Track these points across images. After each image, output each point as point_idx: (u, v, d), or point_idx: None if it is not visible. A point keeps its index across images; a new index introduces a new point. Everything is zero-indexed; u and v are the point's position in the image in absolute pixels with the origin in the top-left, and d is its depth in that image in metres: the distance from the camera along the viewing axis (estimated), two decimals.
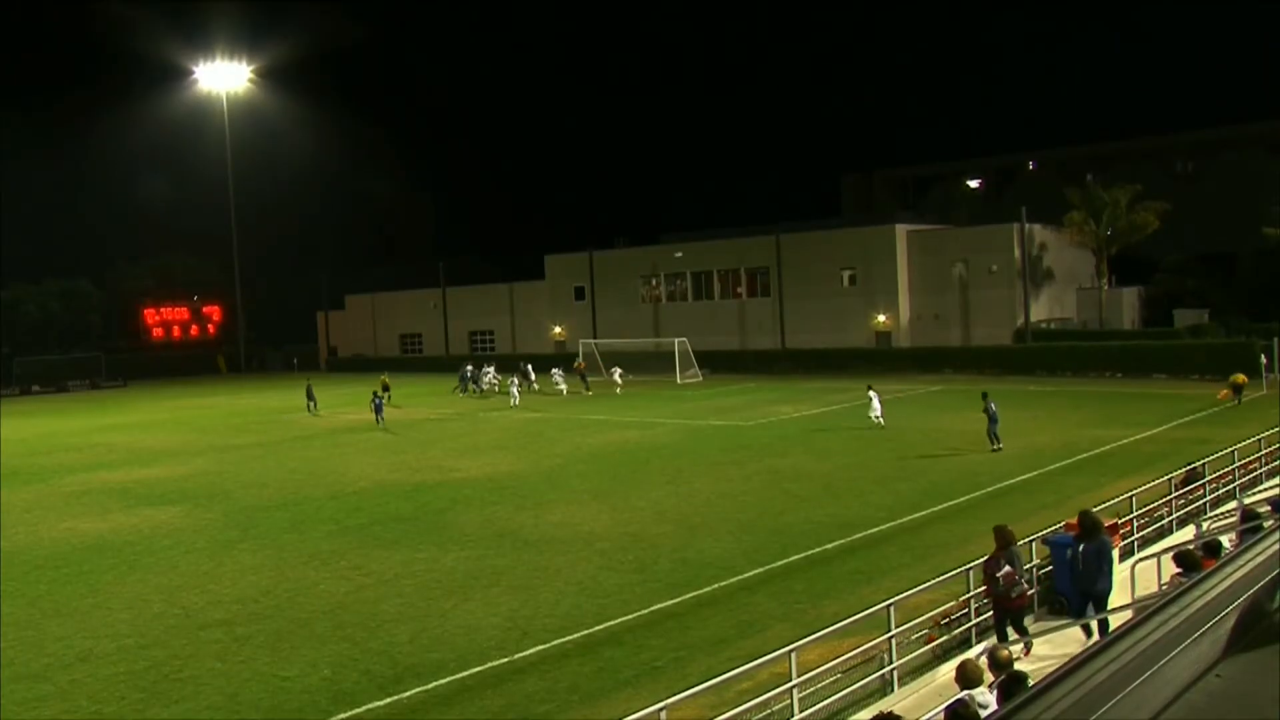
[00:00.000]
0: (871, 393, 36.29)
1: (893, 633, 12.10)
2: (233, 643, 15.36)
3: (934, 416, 38.49)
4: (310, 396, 50.66)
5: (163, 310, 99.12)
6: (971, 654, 11.72)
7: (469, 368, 59.80)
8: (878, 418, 35.50)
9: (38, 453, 40.29)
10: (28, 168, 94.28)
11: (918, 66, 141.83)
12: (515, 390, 51.15)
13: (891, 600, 12.36)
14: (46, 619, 17.10)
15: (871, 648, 12.18)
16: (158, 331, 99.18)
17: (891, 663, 12.01)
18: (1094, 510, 13.80)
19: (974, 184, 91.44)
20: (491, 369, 58.93)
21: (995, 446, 29.40)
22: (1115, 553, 13.90)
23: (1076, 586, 13.06)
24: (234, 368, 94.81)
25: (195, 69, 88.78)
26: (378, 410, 43.86)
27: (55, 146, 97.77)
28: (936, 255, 64.00)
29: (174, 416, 50.40)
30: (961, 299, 63.14)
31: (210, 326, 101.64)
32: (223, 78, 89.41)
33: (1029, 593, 13.33)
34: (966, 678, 8.74)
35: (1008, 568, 12.59)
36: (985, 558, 13.08)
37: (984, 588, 13.09)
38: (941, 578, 13.74)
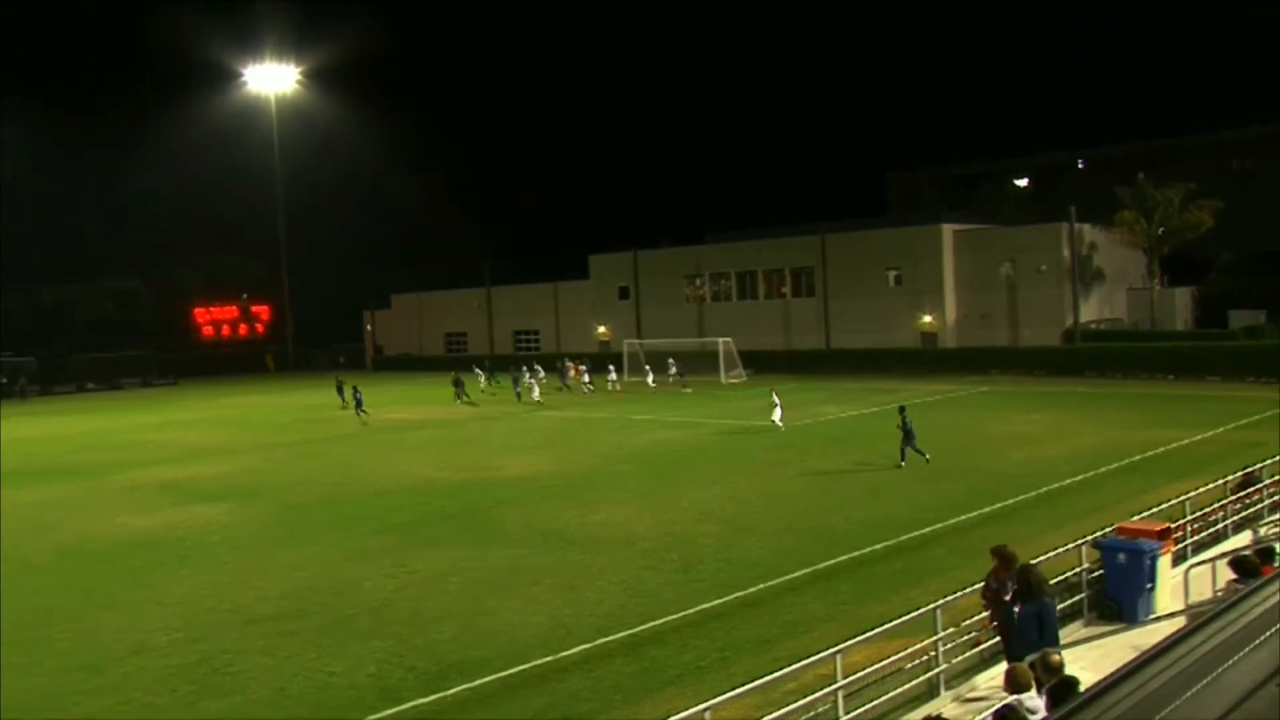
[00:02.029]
0: (775, 397, 36.98)
1: (940, 635, 11.97)
2: (280, 638, 15.52)
3: (980, 417, 38.10)
4: (343, 392, 50.63)
5: (212, 309, 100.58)
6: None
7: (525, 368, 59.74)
8: (778, 422, 36.01)
9: (92, 449, 41.02)
10: (80, 169, 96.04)
11: (965, 64, 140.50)
12: (535, 387, 52.07)
13: (939, 603, 12.23)
14: (100, 612, 17.39)
15: (918, 650, 12.05)
16: (207, 330, 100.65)
17: (938, 666, 11.88)
18: (1035, 564, 12.10)
19: (1022, 183, 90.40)
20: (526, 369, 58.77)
21: (903, 464, 27.85)
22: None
23: (1012, 651, 11.42)
24: (281, 366, 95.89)
25: (244, 71, 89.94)
26: (358, 405, 46.39)
27: (108, 148, 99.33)
28: (983, 255, 63.36)
29: (222, 414, 51.04)
30: (1009, 299, 62.46)
31: (258, 325, 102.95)
32: (271, 79, 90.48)
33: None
34: (1015, 682, 8.62)
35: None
36: (985, 580, 12.17)
37: (984, 604, 12.19)
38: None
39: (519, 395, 52.49)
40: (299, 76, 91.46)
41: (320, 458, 35.71)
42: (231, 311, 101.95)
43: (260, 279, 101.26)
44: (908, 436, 28.23)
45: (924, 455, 28.09)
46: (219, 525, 24.39)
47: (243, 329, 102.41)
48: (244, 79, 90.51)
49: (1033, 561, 13.39)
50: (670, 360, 59.36)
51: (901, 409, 29.33)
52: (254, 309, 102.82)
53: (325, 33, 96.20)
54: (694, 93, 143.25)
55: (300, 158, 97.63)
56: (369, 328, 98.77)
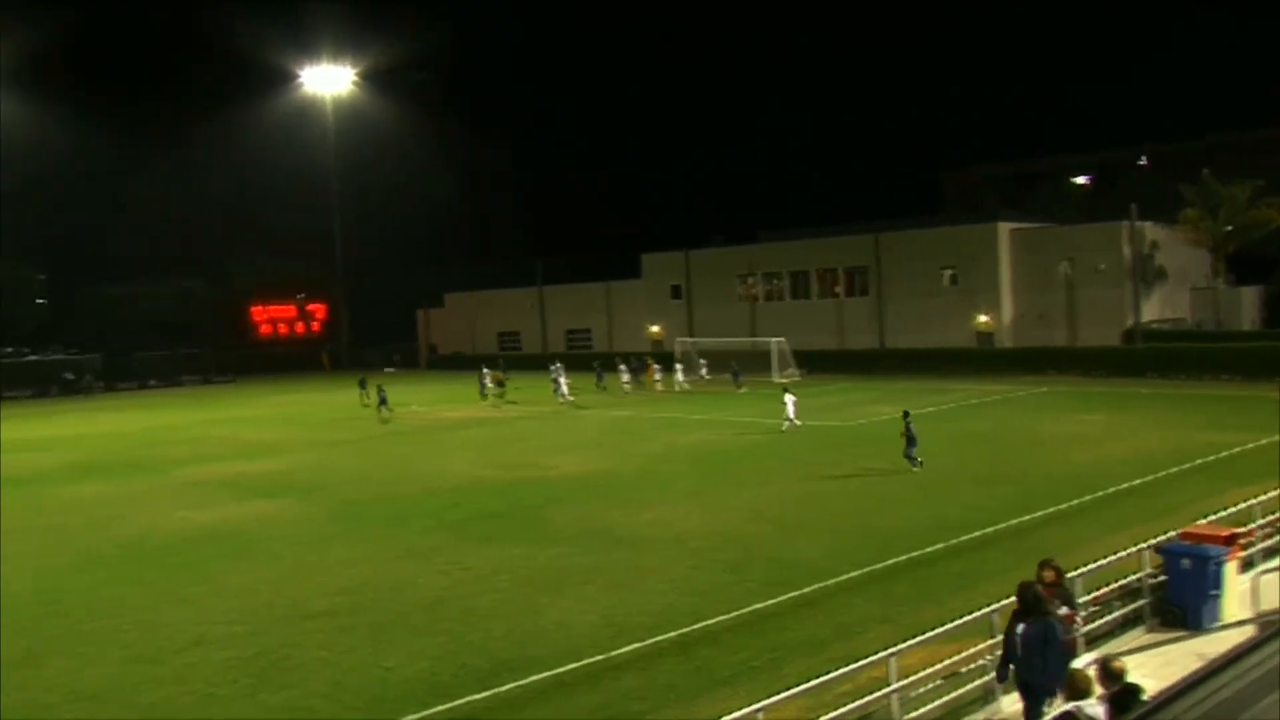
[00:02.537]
0: (787, 396, 37.10)
1: (996, 639, 11.81)
2: (336, 632, 15.69)
3: (1037, 418, 37.56)
4: (365, 390, 50.84)
5: (269, 308, 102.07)
6: (1078, 664, 11.36)
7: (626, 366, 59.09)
8: (790, 420, 36.19)
9: (154, 445, 41.81)
10: (144, 170, 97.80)
11: (1022, 61, 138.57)
12: (564, 385, 52.09)
13: (996, 606, 12.07)
14: (163, 604, 17.71)
15: (975, 654, 11.91)
16: (265, 329, 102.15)
17: (995, 669, 11.72)
18: (1035, 582, 11.01)
19: (1081, 181, 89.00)
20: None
21: (916, 466, 27.53)
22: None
23: (1018, 673, 10.73)
24: (336, 365, 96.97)
25: (301, 73, 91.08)
26: (382, 402, 48.15)
27: (170, 149, 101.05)
28: (1041, 254, 62.48)
29: (279, 412, 51.75)
30: (1067, 299, 61.53)
31: (314, 324, 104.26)
32: (327, 80, 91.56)
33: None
34: (1075, 688, 8.46)
35: (1065, 608, 11.15)
36: (1010, 622, 10.92)
37: (1003, 655, 10.95)
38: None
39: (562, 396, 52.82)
40: (355, 77, 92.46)
41: (374, 455, 36.09)
42: (288, 310, 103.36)
43: (316, 278, 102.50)
44: (909, 442, 27.86)
45: (917, 462, 27.66)
46: (276, 521, 24.73)
47: (299, 328, 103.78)
48: (301, 80, 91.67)
49: (1093, 565, 13.20)
50: (700, 360, 59.29)
51: (905, 414, 29.13)
52: (310, 308, 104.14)
53: (381, 34, 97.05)
54: (748, 90, 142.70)
55: (356, 158, 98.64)
56: (423, 327, 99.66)
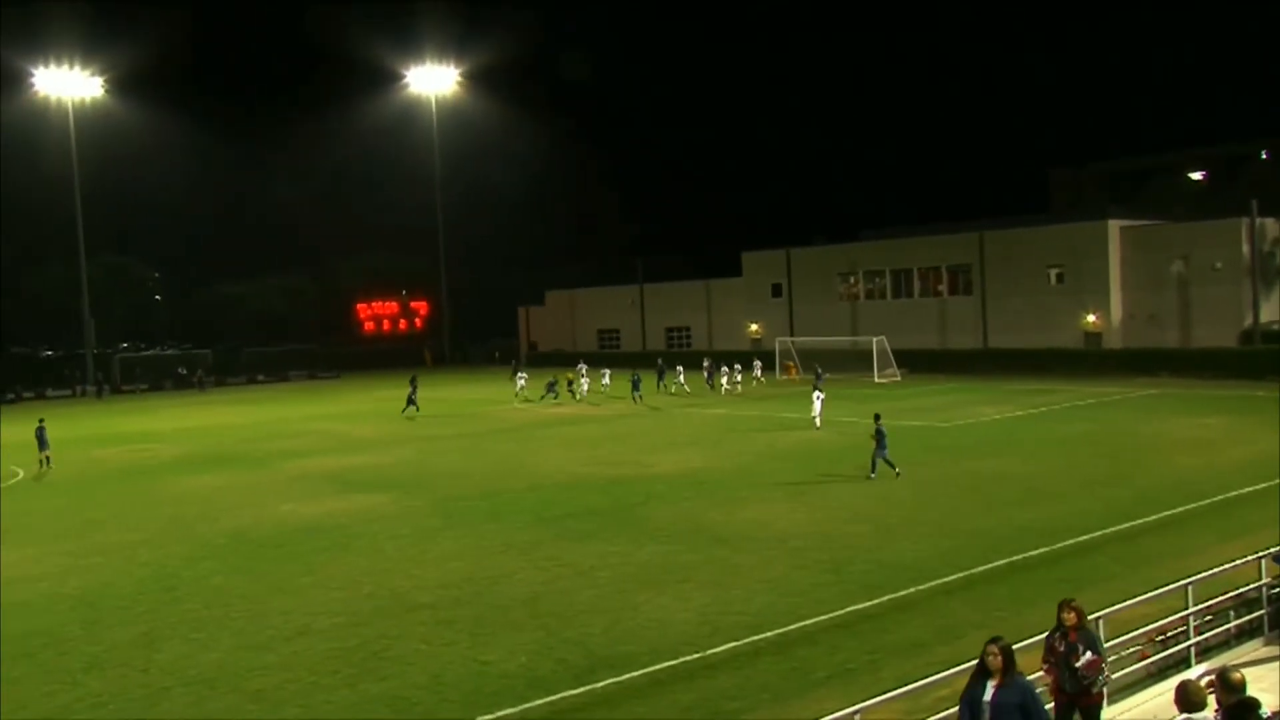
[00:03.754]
0: (816, 393, 37.53)
1: (1103, 646, 11.48)
2: (436, 626, 15.96)
3: (1147, 421, 36.43)
4: (411, 398, 50.23)
5: (374, 305, 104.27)
6: (1191, 674, 10.99)
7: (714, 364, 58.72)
8: (816, 418, 36.50)
9: (261, 438, 43.04)
10: (252, 172, 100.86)
11: (1132, 53, 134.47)
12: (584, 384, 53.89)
13: (1102, 612, 11.72)
14: (270, 594, 18.23)
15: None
16: (369, 325, 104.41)
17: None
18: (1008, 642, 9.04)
19: (1197, 176, 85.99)
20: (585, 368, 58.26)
21: (871, 474, 26.62)
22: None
23: None
24: (439, 361, 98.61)
25: (407, 73, 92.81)
26: (410, 401, 49.11)
27: (276, 152, 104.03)
28: (1153, 252, 60.59)
29: (381, 407, 52.75)
30: (1180, 298, 59.57)
31: (417, 321, 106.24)
32: (432, 81, 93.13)
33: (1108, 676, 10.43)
34: (1188, 700, 8.16)
35: (1089, 654, 9.88)
36: (1047, 635, 10.28)
37: (1045, 669, 10.21)
38: (1157, 591, 12.94)
39: (662, 389, 52.86)
40: (459, 78, 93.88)
41: (475, 451, 36.60)
42: (392, 307, 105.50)
43: (419, 276, 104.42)
44: (879, 444, 26.95)
45: (894, 468, 26.91)
46: (378, 515, 25.24)
47: (402, 324, 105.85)
48: (406, 80, 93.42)
49: (1207, 573, 12.73)
50: (756, 361, 58.67)
51: (876, 416, 28.47)
52: (413, 305, 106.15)
53: (485, 34, 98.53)
54: (850, 88, 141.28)
55: (458, 157, 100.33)
56: (523, 324, 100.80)
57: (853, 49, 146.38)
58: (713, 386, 54.95)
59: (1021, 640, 10.92)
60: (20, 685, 14.19)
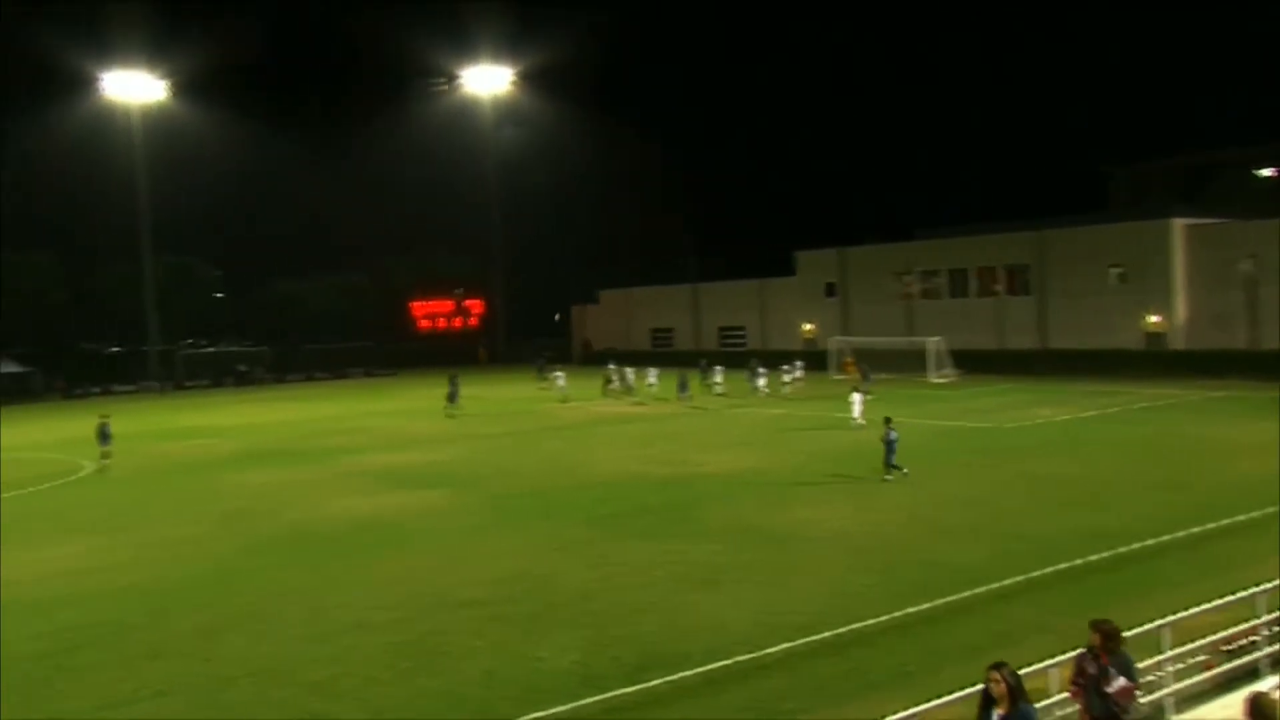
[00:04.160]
0: (855, 395, 37.87)
1: (1166, 655, 11.27)
2: (490, 622, 16.05)
3: (1210, 424, 35.68)
4: (455, 391, 51.22)
5: (429, 303, 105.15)
6: (1263, 686, 10.71)
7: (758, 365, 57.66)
8: (857, 419, 36.31)
9: (319, 435, 43.59)
10: (310, 171, 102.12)
11: (1195, 44, 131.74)
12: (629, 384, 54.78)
13: (1166, 620, 11.51)
14: (327, 588, 18.45)
15: (1142, 669, 11.36)
16: (424, 323, 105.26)
17: (1166, 687, 11.17)
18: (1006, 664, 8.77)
19: (1267, 173, 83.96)
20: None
21: (888, 476, 26.64)
22: None
23: None
24: (493, 358, 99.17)
25: (462, 73, 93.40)
26: (451, 398, 50.23)
27: (335, 149, 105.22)
28: (1219, 251, 59.27)
29: (436, 405, 52.96)
30: (1248, 299, 58.21)
31: (472, 319, 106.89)
32: (487, 81, 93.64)
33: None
34: (1260, 712, 7.92)
35: (1121, 680, 9.33)
36: (1079, 653, 9.78)
37: (1072, 692, 9.77)
38: (1225, 599, 12.67)
39: (704, 388, 52.83)
40: (513, 78, 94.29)
41: (528, 449, 36.77)
42: (446, 305, 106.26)
43: (474, 274, 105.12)
44: (889, 449, 26.94)
45: (902, 470, 26.81)
46: (432, 511, 25.46)
47: (457, 322, 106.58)
48: (461, 80, 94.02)
49: (1277, 582, 12.43)
50: (798, 363, 57.62)
51: (887, 420, 28.10)
52: (467, 303, 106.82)
53: (538, 34, 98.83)
54: (905, 85, 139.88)
55: (511, 156, 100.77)
56: (577, 322, 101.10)
57: (906, 46, 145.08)
58: (755, 389, 53.37)
59: (1050, 658, 10.73)
60: (90, 672, 14.57)
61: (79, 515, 27.16)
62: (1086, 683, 9.47)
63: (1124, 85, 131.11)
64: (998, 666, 8.58)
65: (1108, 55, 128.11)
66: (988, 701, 8.55)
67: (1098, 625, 9.60)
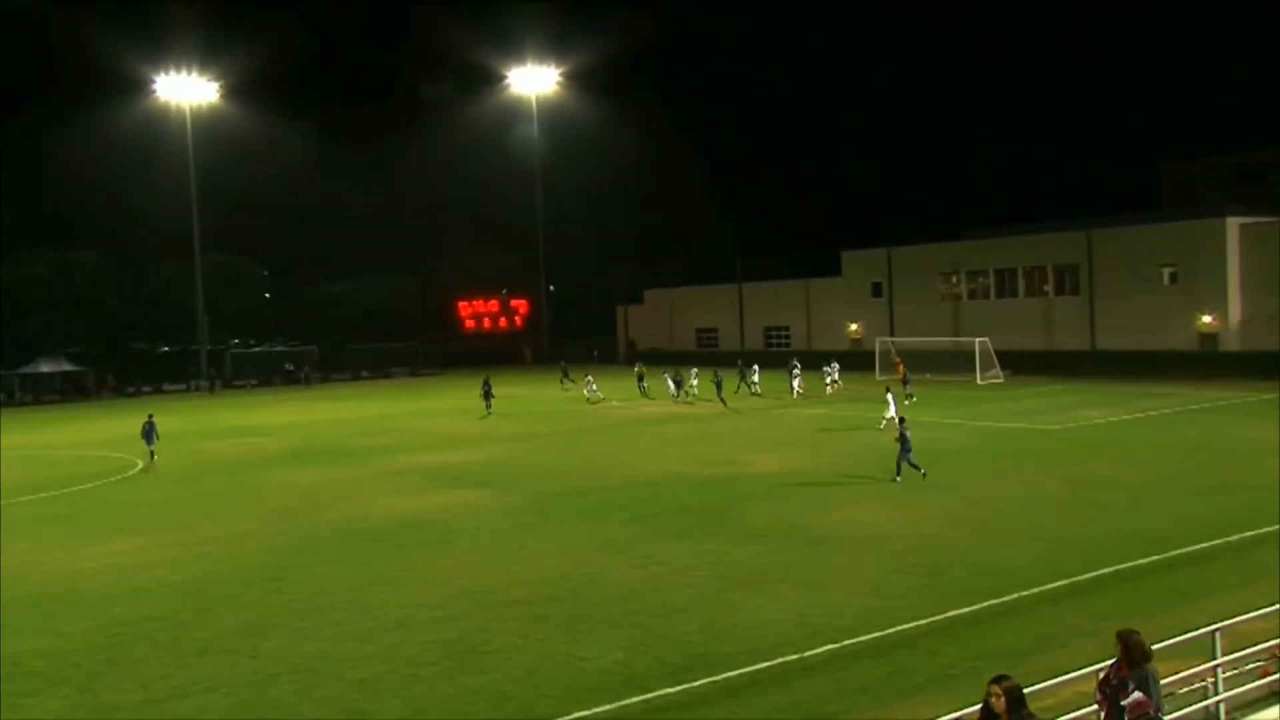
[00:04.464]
0: (890, 395, 37.16)
1: (1218, 661, 11.06)
2: (532, 621, 16.10)
3: (1263, 427, 34.95)
4: (489, 394, 51.51)
5: (474, 303, 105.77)
6: None
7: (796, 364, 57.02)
8: (892, 418, 35.00)
9: (364, 434, 43.99)
10: (356, 173, 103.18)
11: (1247, 41, 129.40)
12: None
13: (1218, 625, 11.29)
14: (371, 586, 18.60)
15: (1193, 675, 11.18)
16: (470, 323, 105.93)
17: (1217, 694, 10.97)
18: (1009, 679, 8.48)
19: None
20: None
21: (896, 478, 26.59)
22: None
23: None
24: (538, 358, 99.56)
25: (507, 74, 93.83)
26: (486, 397, 51.02)
27: (379, 151, 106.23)
28: (1275, 250, 58.21)
29: (481, 405, 53.44)
30: None
31: (517, 319, 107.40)
32: (532, 81, 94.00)
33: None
34: None
35: (1138, 693, 9.11)
36: (1104, 667, 9.63)
37: (1098, 702, 9.53)
38: (1278, 605, 12.43)
39: (742, 389, 52.55)
40: (559, 78, 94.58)
41: (571, 449, 36.86)
42: (492, 305, 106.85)
43: (519, 275, 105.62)
44: (904, 447, 26.80)
45: (920, 471, 26.71)
46: (476, 510, 25.59)
47: (502, 322, 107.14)
48: (507, 81, 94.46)
49: None
50: (834, 364, 55.93)
51: (901, 420, 28.04)
52: (513, 303, 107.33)
53: (585, 34, 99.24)
54: (952, 85, 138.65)
55: (559, 156, 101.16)
56: (622, 322, 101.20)
57: (956, 45, 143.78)
58: (791, 390, 53.00)
59: (1076, 669, 10.57)
60: (141, 666, 14.80)
61: (127, 513, 27.60)
62: (1110, 693, 9.34)
63: (1176, 83, 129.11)
64: (998, 680, 8.43)
65: (1160, 53, 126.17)
66: (988, 716, 8.36)
67: (1122, 636, 9.43)
